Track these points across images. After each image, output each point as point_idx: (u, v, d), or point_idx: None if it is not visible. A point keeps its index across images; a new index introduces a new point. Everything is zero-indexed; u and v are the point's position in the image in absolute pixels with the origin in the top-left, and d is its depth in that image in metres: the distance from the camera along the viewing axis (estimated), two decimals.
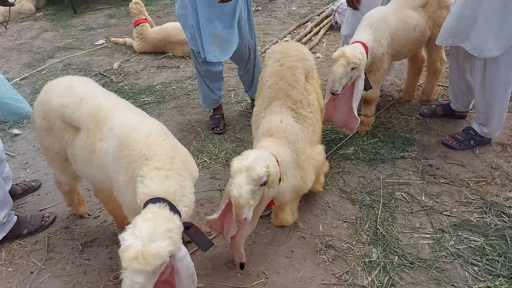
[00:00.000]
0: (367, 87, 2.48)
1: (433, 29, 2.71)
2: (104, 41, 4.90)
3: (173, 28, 4.36)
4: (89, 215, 2.30)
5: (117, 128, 1.52)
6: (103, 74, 4.05)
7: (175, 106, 3.44)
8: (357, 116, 2.45)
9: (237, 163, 1.54)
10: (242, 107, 3.36)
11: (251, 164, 1.50)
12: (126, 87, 3.78)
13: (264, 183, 1.55)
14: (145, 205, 1.35)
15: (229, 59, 2.78)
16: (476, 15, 2.22)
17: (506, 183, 2.35)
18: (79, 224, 2.27)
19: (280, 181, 1.71)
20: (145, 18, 4.42)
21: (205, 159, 2.73)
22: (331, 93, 2.31)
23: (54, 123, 1.70)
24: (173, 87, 3.77)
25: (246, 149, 2.73)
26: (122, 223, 2.08)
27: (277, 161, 1.67)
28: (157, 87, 3.78)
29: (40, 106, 1.74)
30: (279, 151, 1.73)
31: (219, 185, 2.49)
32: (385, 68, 2.63)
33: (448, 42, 2.44)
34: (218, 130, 2.98)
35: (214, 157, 2.75)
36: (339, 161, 2.63)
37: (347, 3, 2.93)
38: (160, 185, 1.38)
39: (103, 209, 2.34)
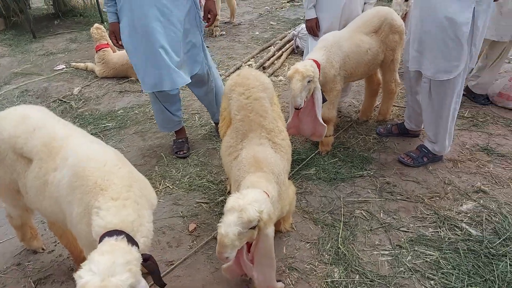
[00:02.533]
0: (323, 99, 2.60)
1: (386, 53, 2.87)
2: (64, 66, 4.81)
3: None
4: (43, 249, 2.19)
5: (71, 158, 1.49)
6: (62, 100, 3.96)
7: (137, 131, 3.40)
8: (323, 123, 2.57)
9: (233, 201, 1.51)
10: (206, 130, 3.37)
11: (245, 206, 1.47)
12: (87, 113, 3.71)
13: (254, 227, 1.53)
14: (101, 238, 1.31)
15: (187, 85, 2.78)
16: (423, 42, 2.40)
17: (457, 197, 2.48)
18: (33, 260, 2.15)
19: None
20: (107, 43, 4.39)
21: (168, 184, 2.70)
22: (295, 108, 2.41)
23: (5, 155, 1.63)
24: (135, 111, 3.74)
25: (210, 173, 2.79)
26: (78, 257, 2.01)
27: (268, 196, 1.66)
28: (118, 112, 3.73)
29: None
30: (268, 187, 1.72)
31: (181, 212, 2.46)
32: (338, 90, 2.75)
33: (411, 68, 2.59)
34: (182, 154, 2.97)
35: (177, 182, 2.73)
36: (301, 181, 2.68)
37: (307, 30, 3.06)
38: (117, 216, 1.35)
39: (58, 242, 2.24)
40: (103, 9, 2.65)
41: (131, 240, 1.32)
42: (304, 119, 2.63)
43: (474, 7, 2.20)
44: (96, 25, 4.40)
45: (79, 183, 1.44)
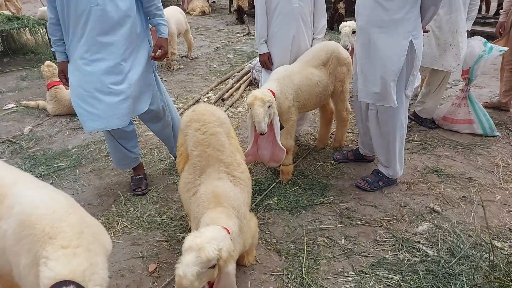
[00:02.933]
0: (280, 126, 2.67)
1: (335, 84, 3.02)
2: (14, 105, 4.60)
3: None
4: None
5: (17, 206, 1.40)
6: (11, 141, 3.76)
7: (93, 170, 3.28)
8: (282, 147, 2.62)
9: (190, 240, 1.47)
10: (165, 164, 3.32)
11: (203, 245, 1.43)
12: (38, 153, 3.54)
13: (214, 266, 1.49)
14: None
15: (141, 122, 2.75)
16: (366, 73, 2.57)
17: (413, 219, 2.58)
18: None
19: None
20: (59, 80, 4.27)
21: (126, 224, 2.60)
22: (260, 134, 2.46)
23: None
24: (91, 149, 3.62)
25: (170, 209, 2.72)
26: None
27: (228, 233, 1.64)
28: (73, 150, 3.59)
29: None
30: (229, 223, 1.70)
31: (141, 252, 2.36)
32: (294, 120, 2.84)
33: (360, 98, 2.73)
34: (140, 191, 2.89)
35: (136, 220, 2.63)
36: (264, 212, 2.68)
37: (260, 64, 3.16)
38: (67, 266, 1.28)
39: None
40: (51, 49, 2.61)
41: None
42: (263, 145, 2.69)
43: (411, 40, 2.38)
44: (47, 62, 4.29)
45: (26, 232, 1.35)
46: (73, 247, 1.34)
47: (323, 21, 3.14)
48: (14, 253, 1.38)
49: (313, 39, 3.14)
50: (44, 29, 6.19)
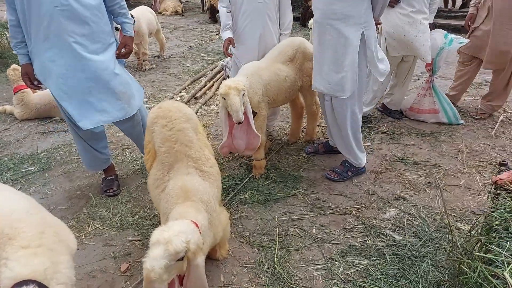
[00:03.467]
0: (253, 113, 2.71)
1: (303, 79, 3.07)
2: None
3: None
4: None
5: None
6: None
7: (63, 173, 3.23)
8: (257, 133, 2.66)
9: (158, 234, 1.48)
10: (137, 165, 3.29)
11: (170, 238, 1.45)
12: (6, 158, 3.45)
13: (182, 258, 1.50)
14: None
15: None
16: (321, 65, 2.65)
17: (381, 206, 2.66)
18: None
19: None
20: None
21: (98, 225, 2.57)
22: (238, 123, 2.48)
23: None
24: (61, 152, 3.55)
25: (143, 209, 2.72)
26: None
27: (197, 226, 1.65)
28: (42, 154, 3.52)
29: None
30: (198, 217, 1.71)
31: (113, 252, 2.35)
32: (264, 115, 2.87)
33: (314, 88, 2.79)
34: (111, 192, 2.86)
35: (108, 222, 2.61)
36: (237, 206, 2.70)
37: (223, 49, 3.10)
38: (27, 266, 1.27)
39: None
40: (13, 52, 2.53)
41: None
42: (238, 135, 2.71)
43: (363, 32, 2.46)
44: (13, 66, 4.16)
45: None
46: (34, 247, 1.33)
47: (289, 16, 3.18)
48: None
49: (280, 35, 3.18)
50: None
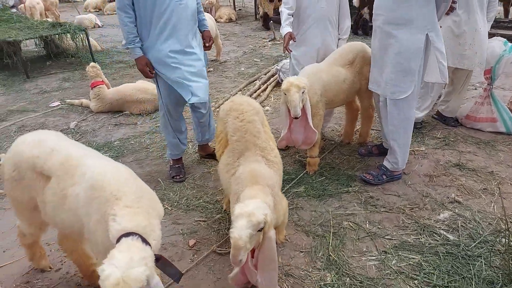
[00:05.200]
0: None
1: (361, 82, 3.19)
2: (59, 103, 5.00)
3: (129, 88, 4.61)
4: (50, 268, 2.29)
5: (89, 174, 1.66)
6: None
7: (134, 160, 3.57)
8: (314, 129, 2.85)
9: (239, 208, 1.70)
10: (199, 156, 3.57)
11: (252, 211, 1.66)
12: (84, 145, 3.86)
13: (261, 229, 1.70)
14: (118, 240, 1.47)
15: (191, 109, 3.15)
16: (382, 67, 2.77)
17: (435, 207, 2.72)
18: (41, 278, 2.25)
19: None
20: (102, 80, 4.64)
21: (167, 206, 2.85)
22: (295, 117, 2.68)
23: (24, 174, 1.80)
24: (131, 142, 3.92)
25: (206, 194, 2.96)
26: (86, 272, 2.13)
27: None
28: (115, 143, 3.91)
29: (11, 158, 1.84)
30: (266, 199, 1.89)
31: (181, 230, 2.61)
32: (321, 114, 3.04)
33: (370, 88, 2.94)
34: (179, 179, 3.15)
35: (176, 203, 2.89)
36: (292, 198, 2.88)
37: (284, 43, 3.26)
38: (131, 221, 1.52)
39: (64, 262, 2.35)
40: (123, 47, 2.94)
41: (145, 241, 1.49)
42: (296, 129, 2.91)
43: (427, 34, 2.56)
44: (92, 64, 4.66)
45: (96, 194, 1.61)
46: (135, 208, 1.58)
47: (348, 22, 3.34)
48: (85, 212, 1.63)
49: (338, 39, 3.34)
50: (84, 35, 6.63)
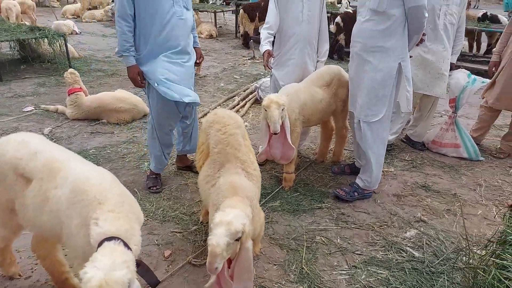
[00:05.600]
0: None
1: (337, 103, 3.36)
2: (33, 108, 4.89)
3: (108, 97, 4.59)
4: (20, 275, 2.23)
5: (72, 177, 1.68)
6: None
7: (110, 169, 3.53)
8: (292, 145, 2.95)
9: (219, 216, 1.74)
10: (176, 168, 3.59)
11: (231, 220, 1.71)
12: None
13: (238, 239, 1.75)
14: (100, 244, 1.49)
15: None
16: (358, 91, 2.96)
17: (402, 226, 2.86)
18: (10, 285, 2.18)
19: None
20: (80, 87, 4.59)
21: None
22: (274, 133, 2.78)
23: (6, 175, 1.78)
24: (108, 151, 3.89)
25: (183, 206, 2.99)
26: (59, 279, 2.10)
27: None
28: (90, 151, 3.87)
29: None
30: (245, 210, 1.93)
31: (156, 240, 2.61)
32: (298, 132, 3.17)
33: (350, 109, 3.13)
34: (155, 189, 3.16)
35: (151, 214, 2.89)
36: (268, 212, 2.95)
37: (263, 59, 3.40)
38: (114, 225, 1.55)
39: (35, 270, 2.30)
40: (116, 55, 2.93)
41: (126, 246, 1.51)
42: (275, 145, 3.02)
43: (400, 62, 2.76)
44: (70, 70, 4.61)
45: (79, 198, 1.62)
46: (117, 212, 1.61)
47: (326, 46, 3.53)
48: (66, 215, 1.64)
49: (317, 61, 3.52)
50: (63, 41, 6.56)
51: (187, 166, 3.53)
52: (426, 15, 2.65)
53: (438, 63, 3.63)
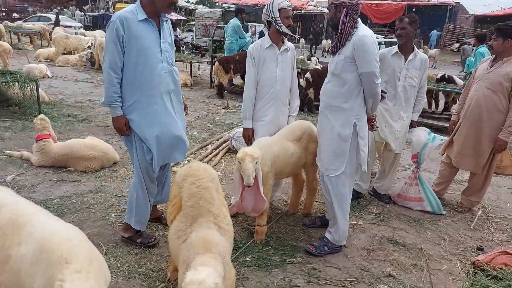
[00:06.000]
0: None
1: (307, 157, 3.47)
2: None
3: (77, 144, 4.50)
4: None
5: (38, 233, 1.62)
6: None
7: (74, 220, 3.41)
8: (264, 198, 2.96)
9: (191, 275, 1.70)
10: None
11: (203, 279, 1.68)
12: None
13: None
14: None
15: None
16: (321, 145, 3.13)
17: (372, 281, 2.88)
18: None
19: None
20: (49, 134, 4.50)
21: None
22: (247, 186, 2.79)
23: None
24: (73, 200, 3.76)
25: (150, 261, 2.89)
26: None
27: None
28: (55, 200, 3.72)
29: None
30: (217, 267, 1.91)
31: None
32: (271, 184, 3.22)
33: (317, 162, 3.26)
34: (154, 240, 3.12)
35: (116, 270, 2.76)
36: (239, 268, 2.89)
37: (243, 137, 3.57)
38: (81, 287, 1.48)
39: None
40: (102, 105, 2.91)
41: None
42: (247, 197, 3.02)
43: (355, 122, 2.94)
44: (41, 116, 4.52)
45: (44, 256, 1.56)
46: (85, 272, 1.55)
47: (297, 102, 3.72)
48: (29, 274, 1.56)
49: (289, 116, 3.67)
50: (34, 85, 6.49)
51: (156, 218, 3.46)
52: (377, 81, 2.87)
53: (395, 121, 3.90)
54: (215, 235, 2.17)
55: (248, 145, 3.43)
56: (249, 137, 3.49)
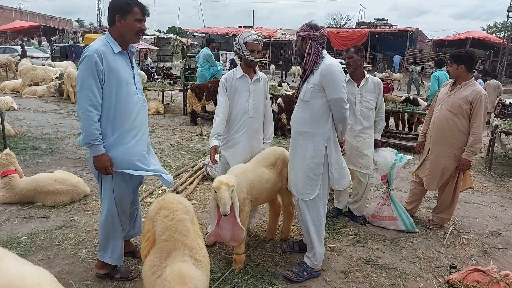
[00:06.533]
0: None
1: (282, 182, 3.50)
2: None
3: (46, 178, 4.35)
4: None
5: (5, 278, 1.54)
6: None
7: (43, 258, 3.25)
8: (242, 227, 2.92)
9: None
10: None
11: None
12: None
13: None
14: None
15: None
16: (294, 170, 3.18)
17: None
18: None
19: None
20: (15, 169, 4.33)
21: None
22: (224, 215, 2.76)
23: None
24: (41, 237, 3.59)
25: None
26: None
27: None
28: (22, 238, 3.54)
29: None
30: None
31: None
32: (247, 211, 3.21)
33: (289, 188, 3.30)
34: (134, 274, 3.05)
35: None
36: None
37: (210, 159, 3.53)
38: None
39: None
40: (81, 144, 2.75)
41: None
42: (224, 226, 2.99)
43: (326, 146, 3.03)
44: (6, 151, 4.36)
45: None
46: None
47: (271, 128, 3.78)
48: None
49: (263, 143, 3.72)
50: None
51: (130, 252, 3.35)
52: (346, 106, 2.98)
53: (359, 142, 4.10)
54: (191, 268, 2.13)
55: (212, 158, 3.37)
56: (213, 155, 3.34)
